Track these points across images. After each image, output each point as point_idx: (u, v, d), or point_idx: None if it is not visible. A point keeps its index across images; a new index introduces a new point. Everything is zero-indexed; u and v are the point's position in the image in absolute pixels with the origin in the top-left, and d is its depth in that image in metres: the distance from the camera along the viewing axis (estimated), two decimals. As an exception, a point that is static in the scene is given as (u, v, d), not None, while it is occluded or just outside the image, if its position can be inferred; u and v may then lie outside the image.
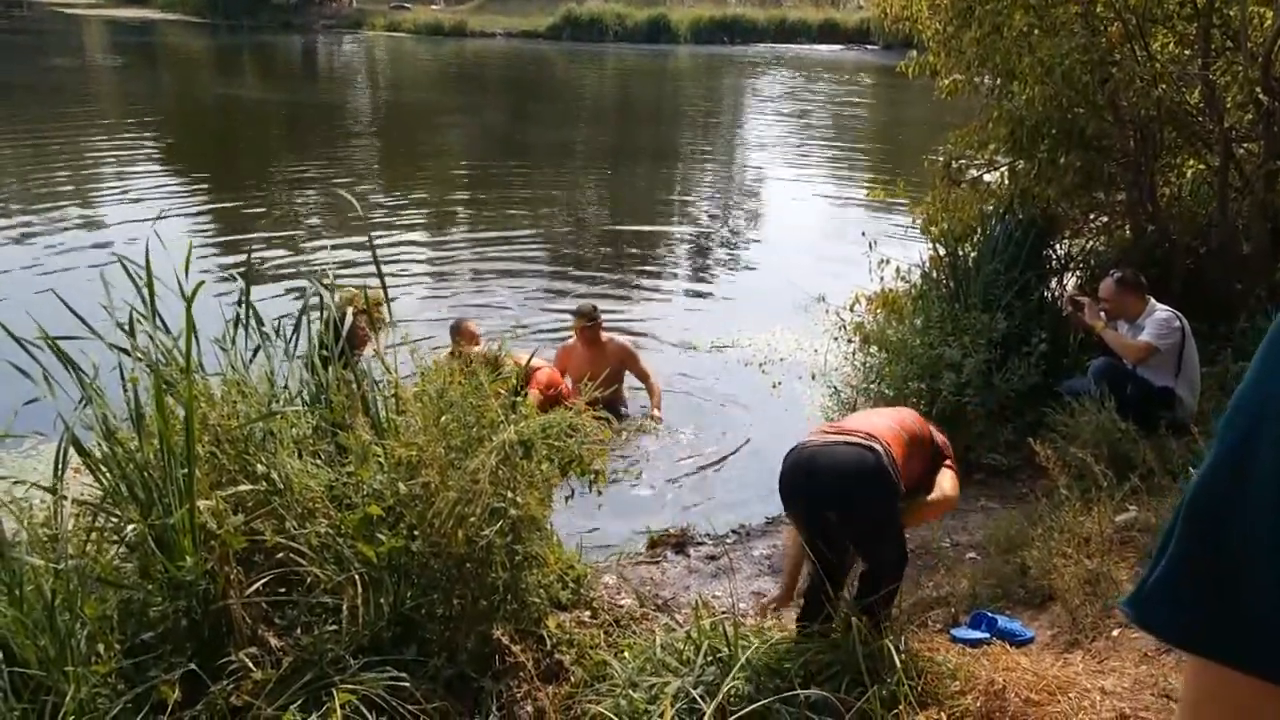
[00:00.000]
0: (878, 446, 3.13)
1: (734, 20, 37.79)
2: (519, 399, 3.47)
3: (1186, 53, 5.82)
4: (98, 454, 2.80)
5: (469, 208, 12.56)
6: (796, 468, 3.20)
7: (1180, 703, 0.84)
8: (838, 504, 3.15)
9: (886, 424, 3.34)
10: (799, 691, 2.65)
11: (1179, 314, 4.94)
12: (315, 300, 3.72)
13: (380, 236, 10.10)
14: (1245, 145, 5.83)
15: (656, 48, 34.73)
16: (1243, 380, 0.78)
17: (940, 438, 3.57)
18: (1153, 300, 5.04)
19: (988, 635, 3.39)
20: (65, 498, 2.75)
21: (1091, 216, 6.54)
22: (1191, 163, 6.28)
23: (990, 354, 5.24)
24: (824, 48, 36.02)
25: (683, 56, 33.49)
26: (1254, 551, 0.74)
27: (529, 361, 4.74)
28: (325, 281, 3.86)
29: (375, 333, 4.89)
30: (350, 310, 4.30)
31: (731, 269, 10.15)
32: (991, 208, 6.09)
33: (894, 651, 2.78)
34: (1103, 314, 5.11)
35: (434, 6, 39.82)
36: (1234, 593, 0.76)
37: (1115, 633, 3.23)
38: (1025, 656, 3.14)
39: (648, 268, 9.94)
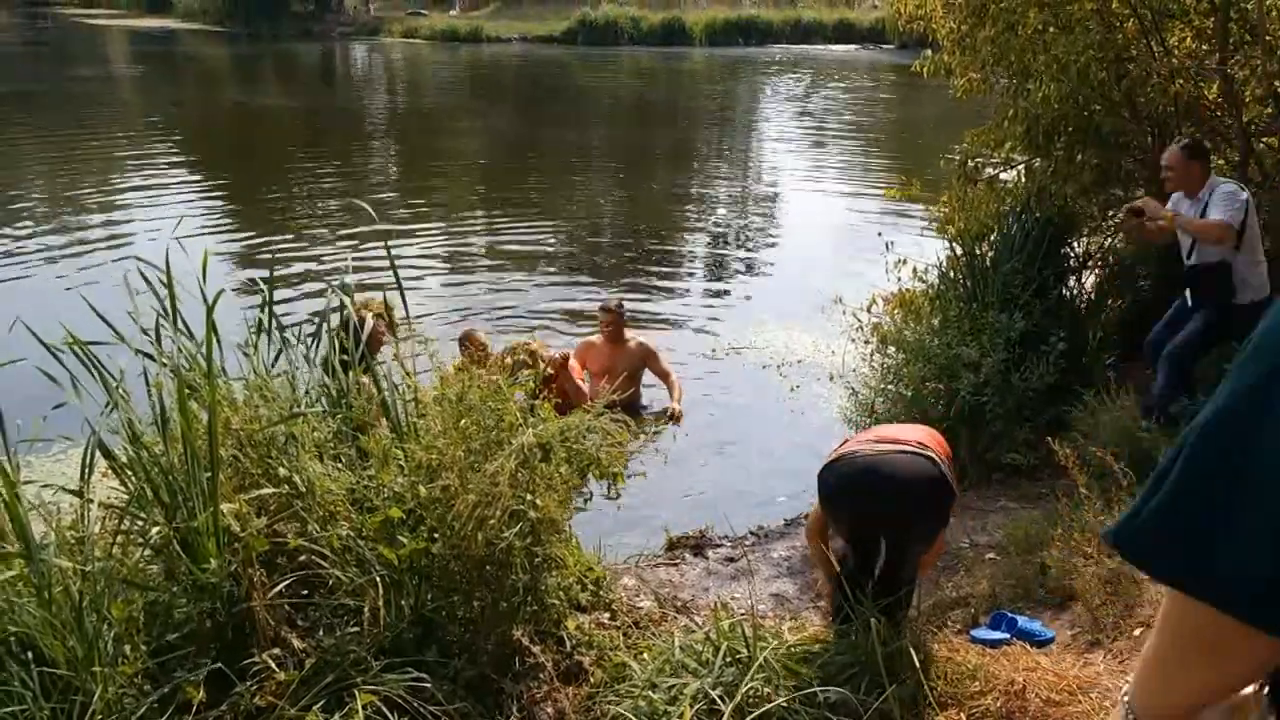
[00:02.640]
0: (934, 455, 3.12)
1: (749, 22, 37.73)
2: (537, 402, 3.49)
3: (1204, 47, 5.79)
4: (123, 458, 2.84)
5: (485, 210, 12.61)
6: (855, 477, 3.12)
7: (1157, 632, 0.85)
8: (899, 513, 3.11)
9: (923, 435, 3.31)
10: (817, 689, 2.66)
11: (1241, 183, 4.80)
12: (335, 305, 3.76)
13: (398, 240, 10.16)
14: (1265, 140, 5.80)
15: (671, 50, 34.73)
16: (1264, 323, 0.79)
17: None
18: (1213, 174, 4.86)
19: (1008, 636, 3.38)
20: (92, 501, 2.80)
21: (1110, 214, 6.51)
22: (1211, 158, 6.24)
23: (1008, 353, 5.22)
24: (839, 48, 35.94)
25: (698, 58, 33.50)
26: (1261, 492, 0.75)
27: (546, 365, 4.77)
28: (344, 286, 3.90)
29: (394, 334, 4.94)
30: (370, 315, 4.34)
31: (747, 270, 10.15)
32: (1008, 206, 6.07)
33: (913, 652, 2.79)
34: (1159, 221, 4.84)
35: (450, 13, 39.98)
36: (1229, 533, 0.77)
37: (1137, 633, 3.21)
38: (1046, 657, 3.13)
39: (664, 270, 9.95)
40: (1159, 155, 5.87)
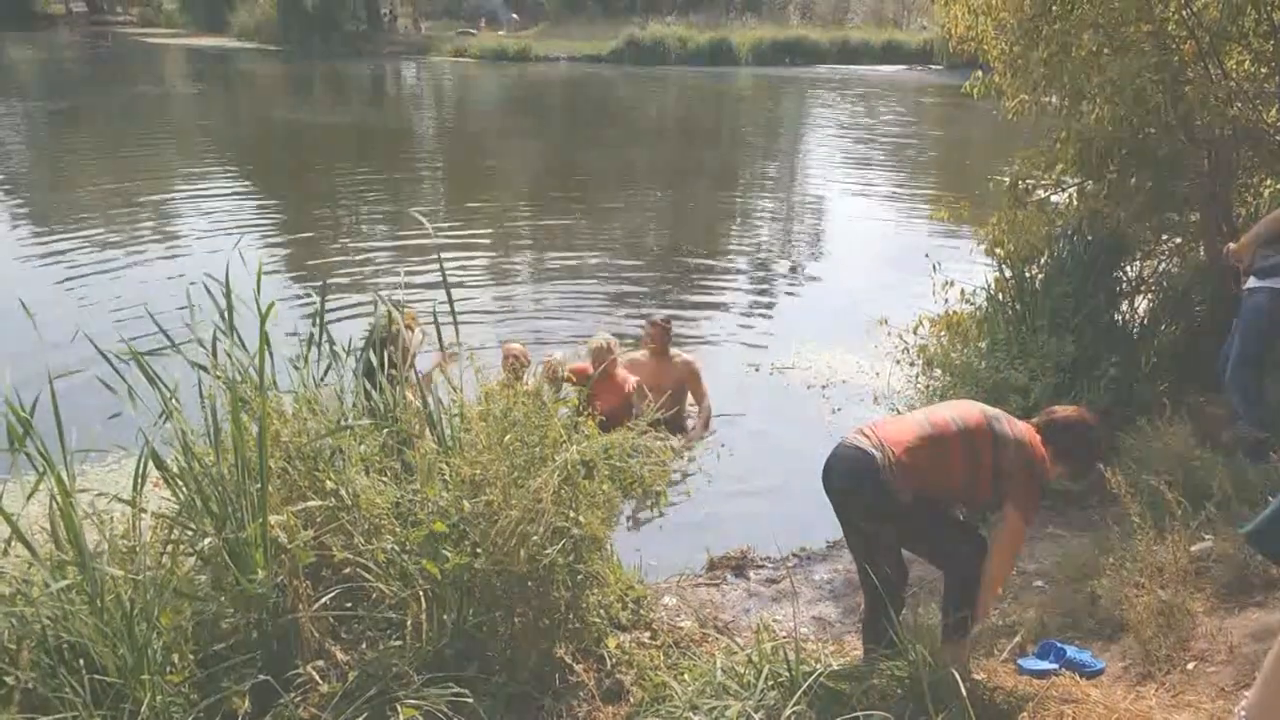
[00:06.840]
0: (874, 452, 3.10)
1: (796, 42, 37.70)
2: (581, 418, 3.50)
3: (1263, 70, 5.68)
4: (175, 468, 2.89)
5: (530, 228, 12.70)
6: (823, 469, 3.27)
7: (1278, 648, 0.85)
8: (839, 508, 3.25)
9: (915, 428, 3.20)
10: (859, 714, 2.62)
11: None
12: (384, 321, 3.80)
13: (444, 255, 10.26)
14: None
15: (718, 70, 34.80)
16: None
17: (1019, 436, 3.18)
18: None
19: (1056, 666, 3.32)
20: (144, 510, 2.85)
21: (1164, 238, 6.39)
22: (1269, 183, 6.12)
23: (1058, 378, 5.14)
24: (886, 68, 35.78)
25: (744, 78, 33.52)
26: None
27: (594, 377, 4.77)
28: (394, 301, 3.94)
29: (442, 345, 4.98)
30: (418, 331, 4.39)
31: (792, 290, 10.10)
32: (1059, 229, 5.98)
33: (959, 679, 2.74)
34: None
35: (500, 32, 40.45)
36: None
37: (1190, 666, 3.13)
38: (1096, 688, 3.06)
39: (708, 288, 9.94)
40: (1215, 179, 5.76)
